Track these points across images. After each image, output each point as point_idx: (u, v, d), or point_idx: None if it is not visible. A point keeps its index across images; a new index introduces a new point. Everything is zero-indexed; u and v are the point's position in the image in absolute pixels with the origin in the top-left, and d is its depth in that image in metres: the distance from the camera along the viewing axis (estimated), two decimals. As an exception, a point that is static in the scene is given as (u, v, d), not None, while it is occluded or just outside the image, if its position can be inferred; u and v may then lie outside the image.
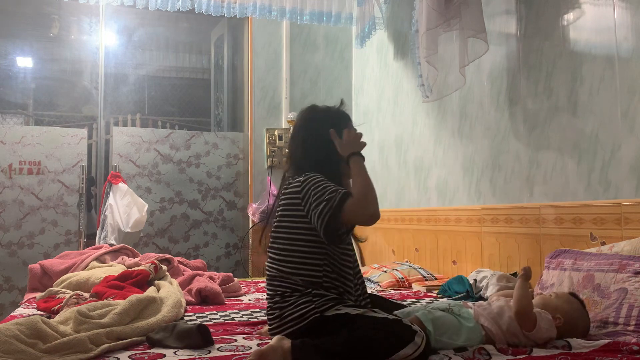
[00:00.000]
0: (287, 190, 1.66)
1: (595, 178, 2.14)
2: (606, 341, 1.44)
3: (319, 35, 4.57)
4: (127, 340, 1.58)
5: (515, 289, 1.53)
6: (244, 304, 2.40)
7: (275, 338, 1.40)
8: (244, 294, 2.71)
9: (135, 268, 2.48)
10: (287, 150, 1.80)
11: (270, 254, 1.67)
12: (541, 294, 1.66)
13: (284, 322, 1.54)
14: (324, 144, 1.70)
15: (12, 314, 2.15)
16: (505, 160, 2.67)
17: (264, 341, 1.61)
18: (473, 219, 2.86)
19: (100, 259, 2.87)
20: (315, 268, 1.57)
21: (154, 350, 1.52)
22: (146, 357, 1.45)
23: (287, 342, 1.37)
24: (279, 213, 1.68)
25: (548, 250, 2.20)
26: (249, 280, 3.37)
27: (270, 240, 1.69)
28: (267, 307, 1.63)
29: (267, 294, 1.65)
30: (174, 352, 1.49)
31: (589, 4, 2.19)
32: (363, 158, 1.72)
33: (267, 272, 1.66)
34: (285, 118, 4.35)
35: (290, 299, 1.55)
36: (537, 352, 1.41)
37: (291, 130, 1.79)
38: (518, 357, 1.39)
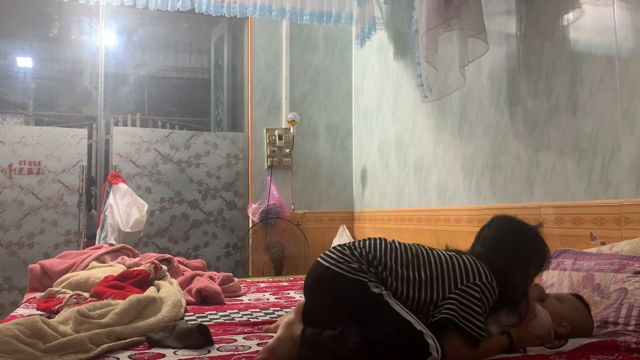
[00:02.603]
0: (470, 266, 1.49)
1: (595, 178, 2.14)
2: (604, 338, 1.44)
3: (319, 35, 4.57)
4: (127, 340, 1.58)
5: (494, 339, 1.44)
6: (244, 304, 2.40)
7: (283, 324, 1.37)
8: (244, 294, 2.71)
9: (135, 268, 2.48)
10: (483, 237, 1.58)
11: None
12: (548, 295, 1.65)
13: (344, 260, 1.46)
14: (517, 272, 1.49)
15: (12, 314, 2.15)
16: (505, 160, 2.67)
17: (264, 341, 1.61)
18: (473, 219, 2.86)
19: (100, 259, 2.87)
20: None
21: (154, 350, 1.52)
22: (146, 357, 1.45)
23: (297, 330, 1.35)
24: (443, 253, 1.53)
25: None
26: (249, 280, 3.37)
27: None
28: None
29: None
30: (174, 352, 1.49)
31: (589, 4, 2.19)
32: (510, 342, 1.44)
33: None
34: (285, 118, 4.35)
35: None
36: (532, 350, 1.41)
37: (494, 226, 1.58)
38: (512, 355, 1.38)
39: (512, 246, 1.51)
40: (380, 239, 1.55)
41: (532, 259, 1.52)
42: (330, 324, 1.37)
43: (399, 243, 1.54)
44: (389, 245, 1.52)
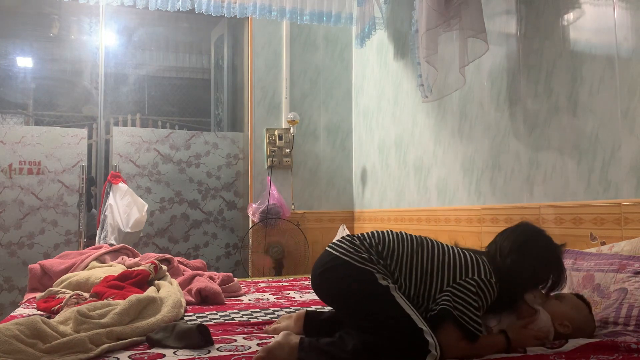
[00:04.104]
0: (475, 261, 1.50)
1: (595, 178, 2.14)
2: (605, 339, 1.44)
3: (319, 35, 4.57)
4: (127, 340, 1.58)
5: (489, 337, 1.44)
6: (244, 304, 2.40)
7: (281, 334, 1.40)
8: (244, 294, 2.71)
9: (135, 268, 2.48)
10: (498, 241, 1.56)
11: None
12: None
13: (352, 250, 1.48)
14: (524, 276, 1.50)
15: (12, 314, 2.15)
16: (505, 160, 2.67)
17: (264, 341, 1.61)
18: (473, 219, 2.86)
19: (100, 259, 2.87)
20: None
21: (154, 350, 1.52)
22: (146, 357, 1.45)
23: (294, 339, 1.37)
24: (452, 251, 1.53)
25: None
26: (249, 280, 3.37)
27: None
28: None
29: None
30: (174, 352, 1.49)
31: (589, 4, 2.19)
32: (508, 342, 1.43)
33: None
34: (285, 118, 4.35)
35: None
36: (532, 350, 1.41)
37: (518, 233, 1.56)
38: (512, 355, 1.38)
39: (528, 260, 1.50)
40: (388, 231, 1.57)
41: (545, 276, 1.52)
42: (336, 309, 1.39)
43: (406, 234, 1.56)
44: (397, 236, 1.54)
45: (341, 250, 1.49)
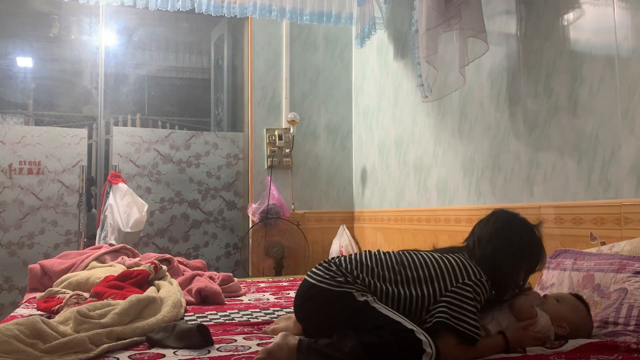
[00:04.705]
0: (457, 263, 1.51)
1: (595, 178, 2.14)
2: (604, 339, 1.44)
3: (319, 35, 4.57)
4: (127, 341, 1.58)
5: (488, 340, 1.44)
6: (244, 304, 2.40)
7: (279, 335, 1.40)
8: (244, 294, 2.71)
9: (135, 268, 2.48)
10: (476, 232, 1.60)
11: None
12: (545, 295, 1.65)
13: (330, 277, 1.49)
14: (511, 270, 1.53)
15: (12, 314, 2.15)
16: (505, 160, 2.67)
17: (264, 341, 1.61)
18: (473, 219, 2.85)
19: (100, 259, 2.87)
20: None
21: (154, 350, 1.52)
22: (146, 357, 1.45)
23: (292, 340, 1.37)
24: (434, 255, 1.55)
25: (548, 250, 2.18)
26: (249, 280, 3.37)
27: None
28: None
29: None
30: (174, 352, 1.49)
31: (589, 4, 2.19)
32: (506, 343, 1.43)
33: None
34: (285, 118, 4.35)
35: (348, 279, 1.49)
36: (532, 350, 1.41)
37: (493, 221, 1.59)
38: (512, 355, 1.39)
39: (508, 243, 1.53)
40: (365, 251, 1.58)
41: (526, 258, 1.55)
42: (325, 336, 1.39)
43: (384, 253, 1.57)
44: (373, 256, 1.55)
45: (317, 277, 1.50)
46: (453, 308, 1.40)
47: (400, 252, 1.58)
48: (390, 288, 1.46)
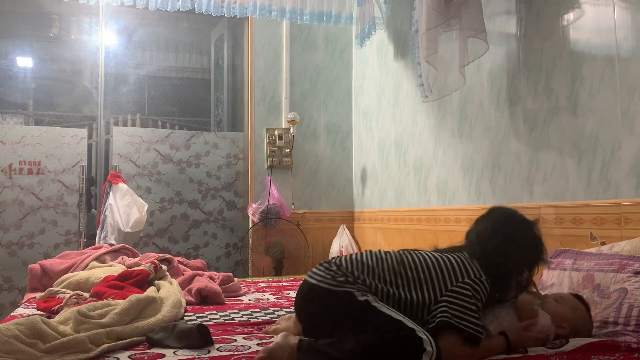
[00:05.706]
0: (456, 263, 1.51)
1: (595, 178, 2.14)
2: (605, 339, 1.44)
3: (319, 35, 4.57)
4: (127, 340, 1.58)
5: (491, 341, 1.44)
6: (244, 304, 2.40)
7: (280, 335, 1.40)
8: (244, 294, 2.71)
9: (135, 268, 2.48)
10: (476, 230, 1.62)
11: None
12: (546, 295, 1.65)
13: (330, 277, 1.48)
14: (512, 266, 1.53)
15: (12, 314, 2.15)
16: (505, 160, 2.67)
17: (264, 341, 1.61)
18: (473, 219, 2.84)
19: (100, 259, 2.87)
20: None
21: (154, 350, 1.52)
22: (146, 357, 1.45)
23: (293, 340, 1.37)
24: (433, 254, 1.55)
25: (548, 250, 2.19)
26: (249, 280, 3.37)
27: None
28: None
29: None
30: (174, 352, 1.49)
31: (589, 4, 2.19)
32: (507, 343, 1.43)
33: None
34: (285, 118, 4.35)
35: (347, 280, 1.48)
36: (533, 350, 1.41)
37: (492, 218, 1.61)
38: (513, 355, 1.39)
39: (506, 240, 1.53)
40: (366, 251, 1.58)
41: (526, 254, 1.55)
42: (326, 336, 1.39)
43: (385, 253, 1.57)
44: (374, 255, 1.55)
45: (318, 277, 1.50)
46: (454, 307, 1.40)
47: (401, 251, 1.58)
48: (391, 290, 1.46)
